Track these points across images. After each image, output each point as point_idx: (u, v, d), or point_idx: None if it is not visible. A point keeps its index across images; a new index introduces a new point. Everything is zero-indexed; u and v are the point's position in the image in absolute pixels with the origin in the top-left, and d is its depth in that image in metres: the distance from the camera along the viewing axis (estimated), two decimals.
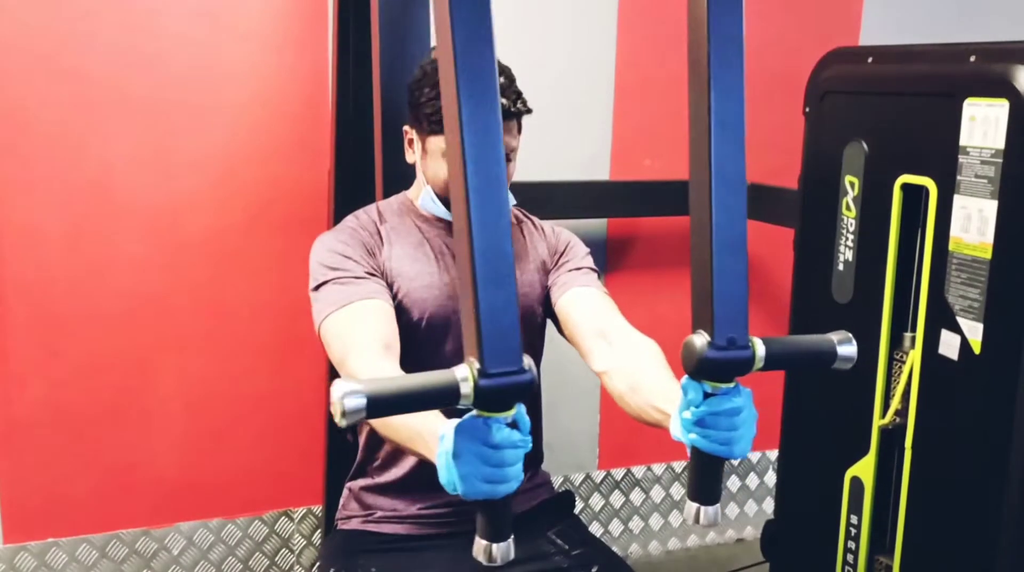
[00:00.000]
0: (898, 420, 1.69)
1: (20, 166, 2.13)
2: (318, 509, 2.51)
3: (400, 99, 1.66)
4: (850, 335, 1.06)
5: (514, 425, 0.97)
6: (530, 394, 0.96)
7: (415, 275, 1.57)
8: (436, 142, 1.53)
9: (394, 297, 1.55)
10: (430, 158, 1.56)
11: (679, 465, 2.89)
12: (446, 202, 1.58)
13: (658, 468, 2.87)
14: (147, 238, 2.24)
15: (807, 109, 1.90)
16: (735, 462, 2.94)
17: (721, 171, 0.99)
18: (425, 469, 1.60)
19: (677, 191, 2.59)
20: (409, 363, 1.56)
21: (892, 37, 2.56)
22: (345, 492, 1.71)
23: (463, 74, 0.92)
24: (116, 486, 2.32)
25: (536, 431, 1.70)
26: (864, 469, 1.77)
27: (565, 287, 1.61)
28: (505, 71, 1.55)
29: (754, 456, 2.96)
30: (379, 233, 1.60)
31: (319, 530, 2.52)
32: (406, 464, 1.62)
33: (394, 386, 0.94)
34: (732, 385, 1.03)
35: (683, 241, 2.72)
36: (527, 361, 0.95)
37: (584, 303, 1.59)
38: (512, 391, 0.94)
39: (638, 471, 2.85)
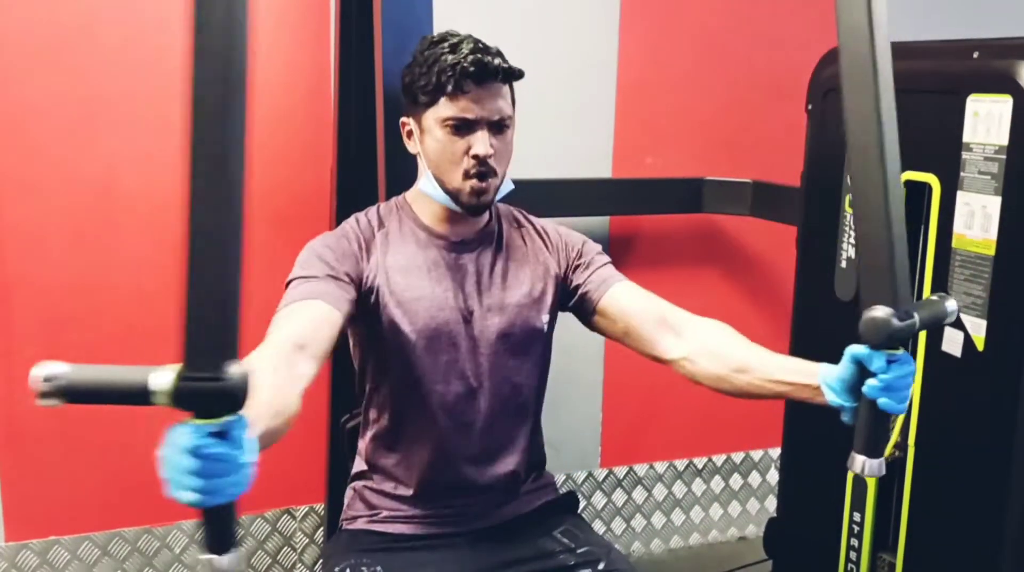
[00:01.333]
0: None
1: (22, 165, 2.13)
2: (320, 507, 2.51)
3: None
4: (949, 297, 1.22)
5: (222, 435, 0.87)
6: (240, 403, 0.86)
7: (406, 286, 1.54)
8: (431, 114, 1.50)
9: (379, 306, 1.52)
10: (427, 135, 1.52)
11: (681, 463, 2.88)
12: (446, 190, 1.54)
13: (660, 466, 2.86)
14: (149, 237, 2.24)
15: (809, 106, 1.90)
16: (737, 461, 2.94)
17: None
18: (430, 470, 1.60)
19: (679, 189, 2.60)
20: (402, 376, 1.55)
21: (894, 34, 2.56)
22: (349, 492, 1.71)
23: None
24: (118, 484, 2.32)
25: (537, 432, 1.70)
26: None
27: (605, 286, 1.61)
28: (487, 46, 1.51)
29: (756, 454, 2.96)
30: (374, 238, 1.57)
31: (321, 528, 2.52)
32: (411, 464, 1.61)
33: (91, 374, 0.87)
34: (904, 352, 1.18)
35: (685, 239, 2.72)
36: (236, 368, 0.85)
37: (632, 297, 1.61)
38: (212, 397, 0.85)
39: (640, 469, 2.85)
